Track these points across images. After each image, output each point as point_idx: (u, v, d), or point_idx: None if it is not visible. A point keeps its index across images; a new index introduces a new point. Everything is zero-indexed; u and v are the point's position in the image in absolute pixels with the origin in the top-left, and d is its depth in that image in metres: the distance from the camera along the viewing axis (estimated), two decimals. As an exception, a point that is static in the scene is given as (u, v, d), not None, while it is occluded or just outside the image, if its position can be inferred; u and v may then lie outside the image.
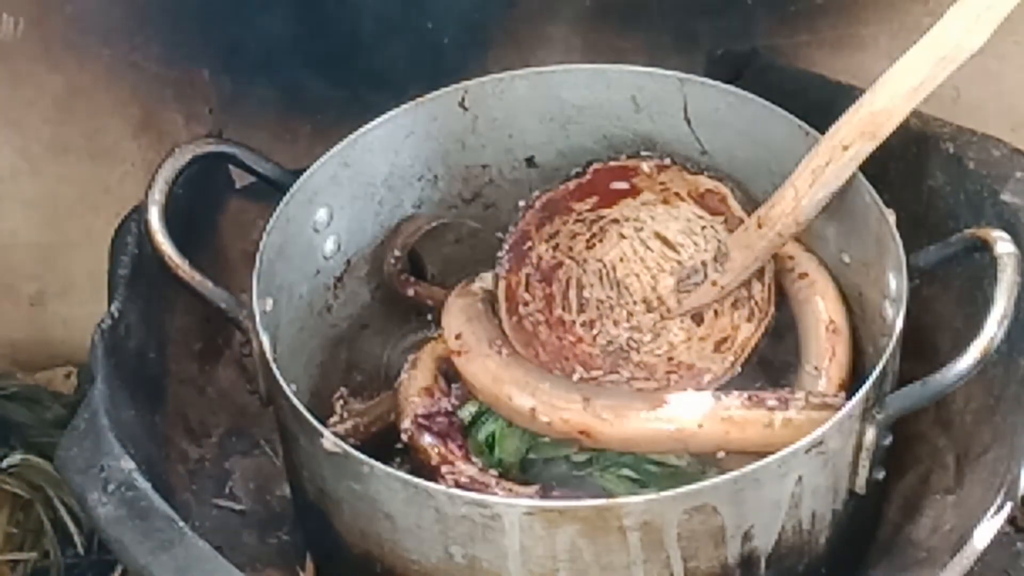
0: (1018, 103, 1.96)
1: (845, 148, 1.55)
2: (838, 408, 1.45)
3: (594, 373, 1.65)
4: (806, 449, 1.42)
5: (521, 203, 1.73)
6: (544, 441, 1.59)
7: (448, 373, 1.65)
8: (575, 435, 1.56)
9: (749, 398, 1.52)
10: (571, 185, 1.73)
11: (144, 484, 1.42)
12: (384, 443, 1.62)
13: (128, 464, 1.43)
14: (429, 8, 1.89)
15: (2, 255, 2.03)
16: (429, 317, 1.73)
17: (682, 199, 1.72)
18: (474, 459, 1.59)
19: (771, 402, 1.51)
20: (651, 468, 1.59)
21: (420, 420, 1.61)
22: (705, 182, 1.71)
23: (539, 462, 1.60)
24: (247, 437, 1.76)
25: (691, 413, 1.51)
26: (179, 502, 1.56)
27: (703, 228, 1.72)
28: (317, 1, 1.88)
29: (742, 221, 1.66)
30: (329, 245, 1.71)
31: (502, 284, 1.69)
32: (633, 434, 1.53)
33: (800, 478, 1.43)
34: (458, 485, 1.52)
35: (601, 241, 1.75)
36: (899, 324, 1.50)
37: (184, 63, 1.91)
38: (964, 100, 1.81)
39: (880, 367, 1.46)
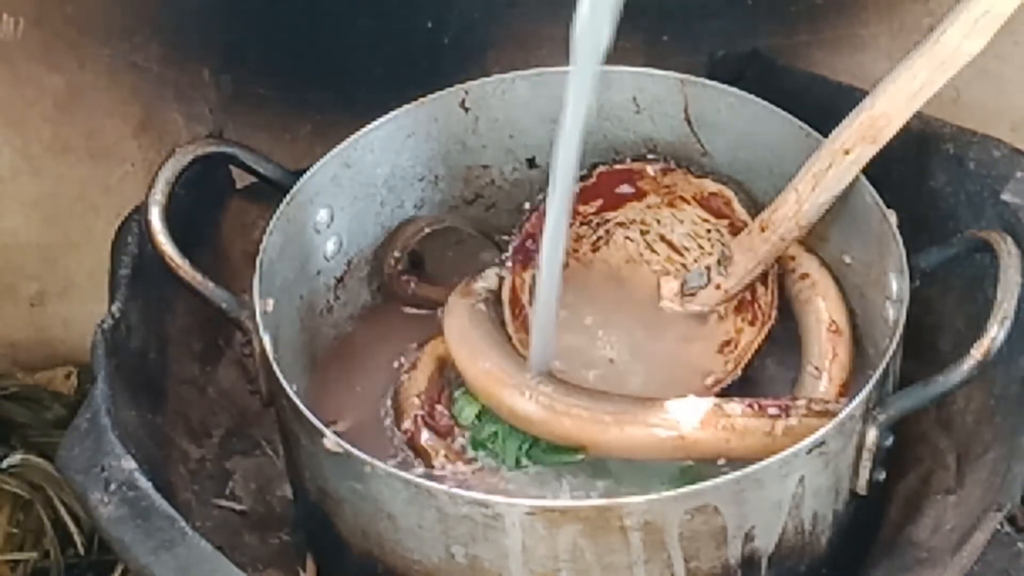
0: (1018, 103, 1.96)
1: (846, 152, 1.56)
2: (839, 414, 1.45)
3: (596, 376, 1.65)
4: (808, 450, 1.42)
5: (527, 206, 1.73)
6: (545, 444, 1.59)
7: (449, 374, 1.66)
8: (575, 440, 1.56)
9: (750, 406, 1.52)
10: (576, 188, 1.73)
11: (145, 484, 1.42)
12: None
13: (129, 464, 1.44)
14: (429, 8, 1.89)
15: (2, 255, 2.03)
16: (430, 317, 1.73)
17: (687, 202, 1.73)
18: (475, 460, 1.59)
19: (772, 410, 1.51)
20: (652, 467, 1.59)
21: (421, 420, 1.61)
22: (710, 185, 1.71)
23: (540, 464, 1.60)
24: (248, 437, 1.76)
25: (692, 421, 1.51)
26: (180, 502, 1.56)
27: (708, 232, 1.72)
28: (317, 1, 1.87)
29: (746, 224, 1.67)
30: (330, 246, 1.71)
31: (506, 285, 1.69)
32: (634, 441, 1.53)
33: (802, 479, 1.44)
34: (459, 485, 1.52)
35: (607, 244, 1.76)
36: (900, 325, 1.50)
37: (184, 63, 1.91)
38: (964, 100, 1.81)
39: (881, 368, 1.46)
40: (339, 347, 1.75)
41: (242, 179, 1.76)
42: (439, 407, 1.63)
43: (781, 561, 1.48)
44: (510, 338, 1.65)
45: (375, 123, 1.71)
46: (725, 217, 1.71)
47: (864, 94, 1.57)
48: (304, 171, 1.67)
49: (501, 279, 1.70)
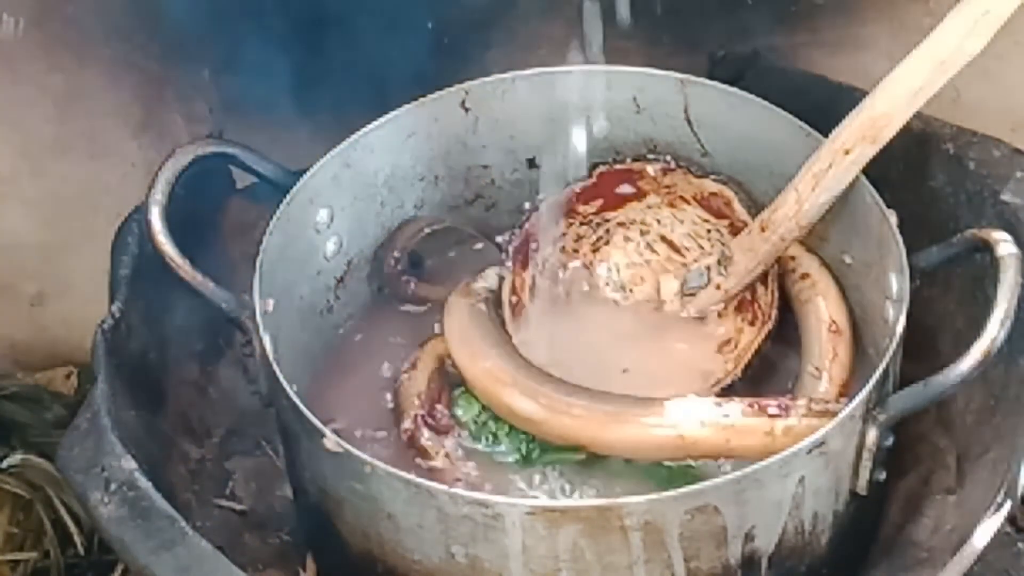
0: (1018, 103, 1.96)
1: (846, 152, 1.56)
2: (839, 414, 1.45)
3: (596, 376, 1.65)
4: (808, 450, 1.42)
5: (527, 206, 1.73)
6: (546, 442, 1.59)
7: (449, 373, 1.66)
8: (575, 440, 1.56)
9: (750, 405, 1.52)
10: (577, 188, 1.74)
11: (145, 484, 1.42)
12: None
13: (129, 464, 1.44)
14: (429, 8, 1.89)
15: (2, 255, 2.03)
16: (430, 317, 1.73)
17: (687, 202, 1.73)
18: (475, 459, 1.59)
19: (772, 409, 1.51)
20: (652, 468, 1.59)
21: (421, 420, 1.61)
22: (710, 185, 1.71)
23: (540, 463, 1.60)
24: (248, 437, 1.76)
25: (692, 421, 1.51)
26: (180, 502, 1.56)
27: (708, 232, 1.72)
28: (317, 1, 1.87)
29: (746, 224, 1.67)
30: (330, 246, 1.71)
31: (507, 285, 1.69)
32: (633, 441, 1.53)
33: (802, 479, 1.43)
34: (459, 485, 1.52)
35: (607, 244, 1.76)
36: (900, 325, 1.50)
37: (184, 63, 1.91)
38: (964, 100, 1.81)
39: (882, 368, 1.46)
40: (339, 347, 1.75)
41: (242, 179, 1.76)
42: (439, 407, 1.63)
43: (781, 561, 1.48)
44: (510, 338, 1.65)
45: (375, 123, 1.71)
46: (725, 217, 1.71)
47: (864, 94, 1.57)
48: (304, 171, 1.67)
49: (501, 279, 1.70)
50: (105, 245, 1.66)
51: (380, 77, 1.88)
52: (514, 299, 1.69)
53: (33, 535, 1.89)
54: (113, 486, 1.42)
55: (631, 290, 1.74)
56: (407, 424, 1.62)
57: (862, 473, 1.48)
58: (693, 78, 1.72)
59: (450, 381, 1.66)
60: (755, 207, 1.68)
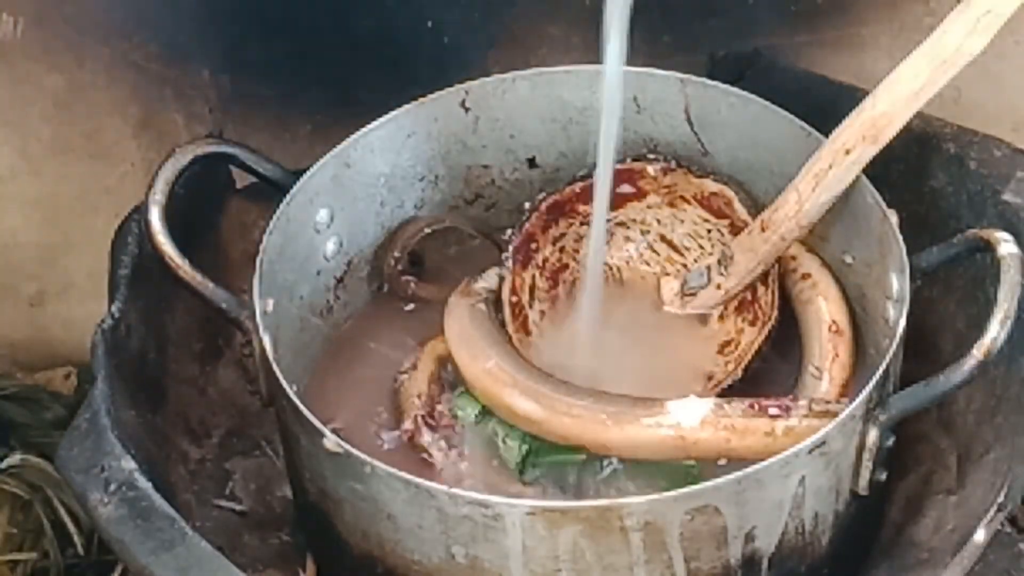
0: (1019, 103, 1.96)
1: (847, 152, 1.55)
2: (840, 415, 1.45)
3: (597, 376, 1.65)
4: (809, 450, 1.42)
5: (527, 205, 1.73)
6: (546, 443, 1.59)
7: (449, 373, 1.65)
8: (575, 440, 1.56)
9: (751, 406, 1.51)
10: (577, 188, 1.74)
11: (145, 484, 1.42)
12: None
13: (129, 464, 1.43)
14: (429, 8, 1.89)
15: (2, 255, 2.03)
16: (430, 317, 1.73)
17: (688, 202, 1.73)
18: (475, 459, 1.59)
19: (773, 410, 1.51)
20: (653, 468, 1.59)
21: (421, 420, 1.61)
22: (711, 185, 1.71)
23: (541, 463, 1.60)
24: (248, 438, 1.76)
25: (692, 421, 1.51)
26: (180, 503, 1.56)
27: (708, 232, 1.72)
28: (317, 1, 1.87)
29: (747, 224, 1.67)
30: (330, 246, 1.71)
31: (506, 285, 1.69)
32: (634, 441, 1.53)
33: (803, 479, 1.43)
34: (459, 485, 1.52)
35: (607, 244, 1.76)
36: (901, 325, 1.50)
37: (184, 63, 1.91)
38: (965, 100, 1.81)
39: (882, 368, 1.46)
40: (339, 347, 1.74)
41: (242, 179, 1.75)
42: (439, 407, 1.63)
43: (782, 561, 1.48)
44: (510, 338, 1.65)
45: (375, 123, 1.71)
46: (726, 217, 1.71)
47: (865, 94, 1.56)
48: (304, 171, 1.66)
49: (501, 279, 1.70)
50: (104, 245, 1.66)
51: (380, 77, 1.88)
52: (514, 299, 1.69)
53: (32, 535, 1.88)
54: (113, 486, 1.42)
55: (631, 290, 1.74)
56: (407, 424, 1.62)
57: (863, 473, 1.48)
58: (693, 78, 1.71)
59: (450, 381, 1.66)
60: (756, 207, 1.68)
